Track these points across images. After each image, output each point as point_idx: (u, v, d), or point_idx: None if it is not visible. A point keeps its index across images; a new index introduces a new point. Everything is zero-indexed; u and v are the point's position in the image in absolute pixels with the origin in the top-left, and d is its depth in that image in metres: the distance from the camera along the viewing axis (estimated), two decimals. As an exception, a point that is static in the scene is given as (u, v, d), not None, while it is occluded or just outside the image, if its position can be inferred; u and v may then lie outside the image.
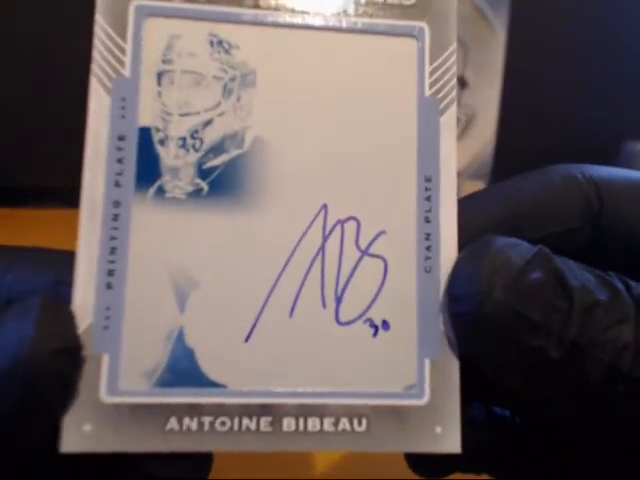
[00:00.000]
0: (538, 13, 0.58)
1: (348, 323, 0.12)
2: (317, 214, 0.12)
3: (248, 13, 0.12)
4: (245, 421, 0.11)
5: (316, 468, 0.30)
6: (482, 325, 0.12)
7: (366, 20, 0.13)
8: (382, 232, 0.13)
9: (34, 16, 0.56)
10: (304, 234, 0.12)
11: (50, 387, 0.11)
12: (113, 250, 0.12)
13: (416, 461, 0.17)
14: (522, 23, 0.53)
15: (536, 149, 0.65)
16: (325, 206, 0.12)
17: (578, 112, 0.62)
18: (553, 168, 0.16)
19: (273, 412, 0.12)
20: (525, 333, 0.12)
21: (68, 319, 0.12)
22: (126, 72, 0.12)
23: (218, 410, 0.11)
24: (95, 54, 0.13)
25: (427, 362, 0.13)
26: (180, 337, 0.12)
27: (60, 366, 0.11)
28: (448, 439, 0.12)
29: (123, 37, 0.12)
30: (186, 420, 0.11)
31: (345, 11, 0.12)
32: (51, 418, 0.11)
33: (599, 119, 0.62)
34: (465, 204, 0.14)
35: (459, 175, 0.59)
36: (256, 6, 0.12)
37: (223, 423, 0.11)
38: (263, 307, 0.12)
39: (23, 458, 0.11)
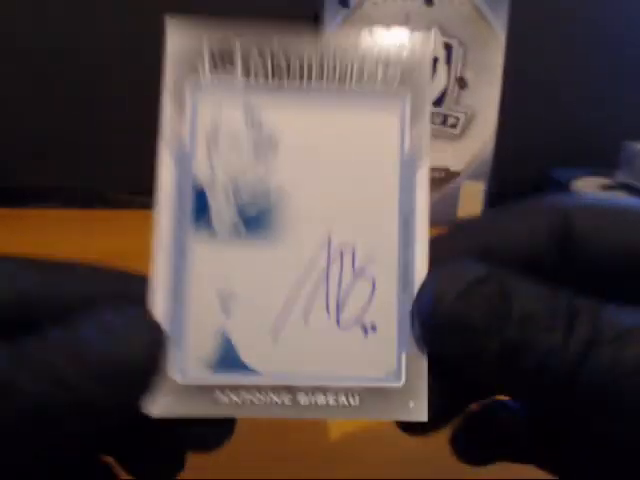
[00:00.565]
0: (538, 14, 0.58)
1: (346, 326, 0.17)
2: (323, 244, 0.17)
3: (274, 93, 0.17)
4: (273, 397, 0.16)
5: (317, 468, 0.30)
6: (434, 328, 0.16)
7: (361, 94, 0.17)
8: (372, 258, 0.17)
9: (34, 16, 0.56)
10: (314, 259, 0.17)
11: (159, 368, 0.16)
12: (178, 274, 0.16)
13: (463, 448, 0.20)
14: (522, 24, 0.53)
15: (535, 149, 0.65)
16: (329, 238, 0.17)
17: (578, 112, 0.62)
18: (525, 199, 0.18)
19: (293, 391, 0.16)
20: (468, 335, 0.15)
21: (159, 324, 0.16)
22: (185, 139, 0.17)
23: (254, 389, 0.16)
24: (162, 126, 0.17)
25: (403, 355, 0.17)
26: (226, 336, 0.16)
27: (162, 355, 0.16)
28: (418, 411, 0.16)
29: (182, 113, 0.17)
30: (231, 395, 0.16)
31: (346, 87, 0.17)
32: (150, 388, 0.16)
33: (599, 119, 0.62)
34: (444, 234, 0.17)
35: (459, 175, 0.59)
36: (280, 85, 0.17)
37: (258, 398, 0.16)
38: (284, 314, 0.17)
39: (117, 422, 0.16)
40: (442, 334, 0.16)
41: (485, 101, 0.55)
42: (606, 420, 0.15)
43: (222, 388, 0.16)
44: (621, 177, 0.56)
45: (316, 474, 0.30)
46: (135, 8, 0.56)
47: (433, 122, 0.55)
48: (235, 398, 0.16)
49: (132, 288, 0.17)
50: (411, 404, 0.16)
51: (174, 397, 0.16)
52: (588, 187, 0.56)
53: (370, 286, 0.17)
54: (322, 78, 0.17)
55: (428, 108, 0.17)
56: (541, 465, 0.20)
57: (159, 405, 0.16)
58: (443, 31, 0.53)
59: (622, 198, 0.18)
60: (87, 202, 0.60)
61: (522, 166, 0.60)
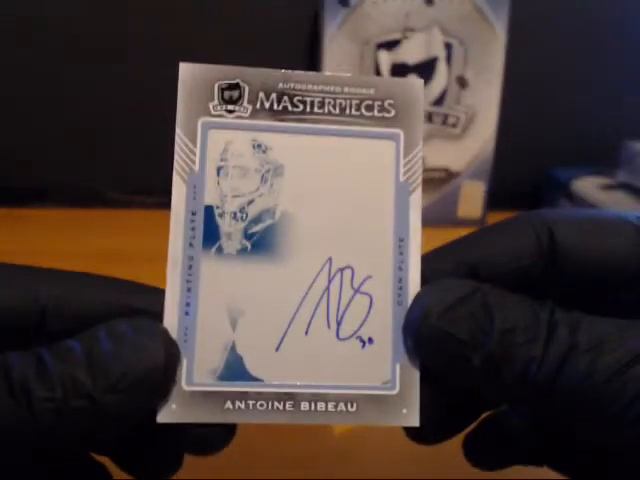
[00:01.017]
0: (538, 13, 0.58)
1: (345, 339, 0.18)
2: (324, 264, 0.18)
3: (278, 125, 0.18)
4: (276, 403, 0.17)
5: (317, 468, 0.30)
6: (422, 341, 0.17)
7: (360, 128, 0.19)
8: (369, 276, 0.18)
9: (34, 16, 0.56)
10: (315, 278, 0.18)
11: (173, 379, 0.17)
12: (189, 290, 0.18)
13: (473, 452, 0.20)
14: (522, 23, 0.53)
15: (535, 149, 0.65)
16: (330, 259, 0.18)
17: (578, 112, 0.62)
18: (513, 217, 0.19)
19: (294, 398, 0.17)
20: (453, 347, 0.16)
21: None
22: (196, 168, 0.18)
23: (258, 396, 0.17)
24: (176, 156, 0.18)
25: (398, 366, 0.18)
26: (233, 347, 0.18)
27: (175, 367, 0.17)
28: (411, 417, 0.18)
29: (194, 144, 0.18)
30: (237, 402, 0.17)
31: (345, 119, 0.19)
32: (164, 398, 0.17)
33: (599, 119, 0.62)
34: (438, 251, 0.18)
35: (459, 175, 0.59)
36: (283, 119, 0.18)
37: (261, 405, 0.17)
38: (288, 327, 0.18)
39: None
40: (429, 346, 0.17)
41: (485, 101, 0.55)
42: (587, 427, 0.16)
43: (227, 396, 0.17)
44: (621, 177, 0.56)
45: (315, 474, 0.30)
46: (136, 8, 0.56)
47: (433, 122, 0.55)
48: (240, 405, 0.17)
49: (147, 301, 0.18)
50: (404, 411, 0.17)
51: (181, 405, 0.17)
52: (588, 187, 0.56)
53: (367, 302, 0.18)
54: (323, 111, 0.19)
55: (420, 138, 0.19)
56: (553, 466, 0.20)
57: (166, 412, 0.17)
58: (443, 30, 0.53)
59: (602, 210, 0.19)
60: (87, 202, 0.60)
61: (522, 166, 0.60)
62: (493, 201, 0.57)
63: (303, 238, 0.18)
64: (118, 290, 0.18)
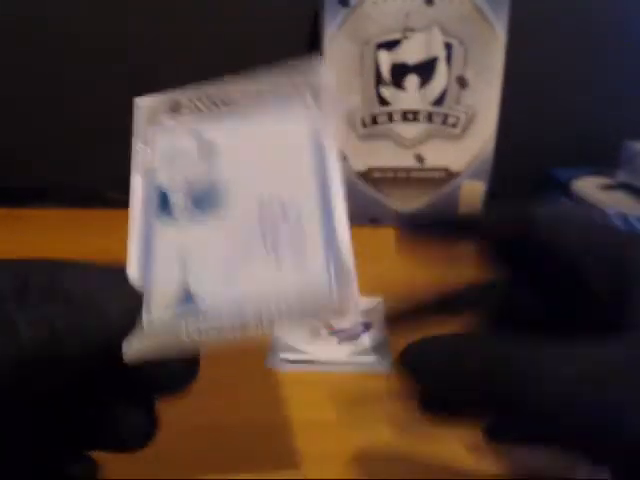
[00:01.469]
0: (538, 13, 0.58)
1: (282, 262, 0.21)
2: (258, 209, 0.22)
3: (212, 118, 0.24)
4: (227, 326, 0.20)
5: (316, 468, 0.30)
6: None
7: (278, 109, 0.24)
8: (299, 209, 0.21)
9: (34, 15, 0.56)
10: (253, 219, 0.22)
11: (137, 319, 0.20)
12: (147, 246, 0.22)
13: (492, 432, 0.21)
14: (522, 23, 0.53)
15: (535, 149, 0.65)
16: (263, 203, 0.22)
17: (578, 112, 0.62)
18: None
19: (243, 319, 0.20)
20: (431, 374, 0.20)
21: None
22: (151, 163, 0.24)
23: (211, 322, 0.20)
24: (134, 158, 0.24)
25: (330, 273, 0.20)
26: (186, 287, 0.21)
27: (140, 308, 0.20)
28: (344, 313, 0.20)
29: (147, 146, 0.24)
30: (192, 331, 0.20)
31: (264, 105, 0.24)
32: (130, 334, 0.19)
33: (599, 119, 0.62)
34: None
35: (459, 175, 0.59)
36: (217, 113, 0.24)
37: (215, 328, 0.20)
38: (233, 262, 0.21)
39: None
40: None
41: (485, 101, 0.55)
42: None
43: (184, 326, 0.20)
44: (621, 177, 0.56)
45: (314, 474, 0.30)
46: (136, 8, 0.56)
47: (433, 122, 0.55)
48: (195, 331, 0.20)
49: (116, 269, 0.21)
50: (339, 306, 0.20)
51: (144, 340, 0.20)
52: (588, 187, 0.56)
53: (299, 229, 0.21)
54: (245, 102, 0.24)
55: (331, 110, 0.23)
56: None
57: (133, 349, 0.19)
58: (443, 30, 0.53)
59: (579, 207, 0.23)
60: (87, 202, 0.60)
61: (522, 166, 0.60)
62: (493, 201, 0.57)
63: (239, 196, 0.22)
64: (95, 266, 0.21)
